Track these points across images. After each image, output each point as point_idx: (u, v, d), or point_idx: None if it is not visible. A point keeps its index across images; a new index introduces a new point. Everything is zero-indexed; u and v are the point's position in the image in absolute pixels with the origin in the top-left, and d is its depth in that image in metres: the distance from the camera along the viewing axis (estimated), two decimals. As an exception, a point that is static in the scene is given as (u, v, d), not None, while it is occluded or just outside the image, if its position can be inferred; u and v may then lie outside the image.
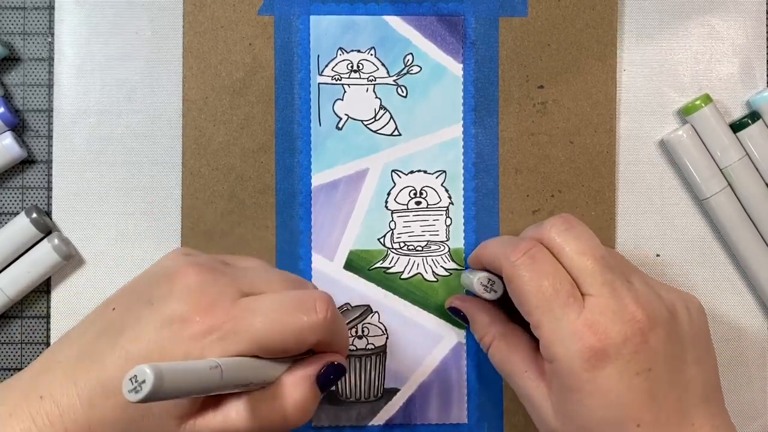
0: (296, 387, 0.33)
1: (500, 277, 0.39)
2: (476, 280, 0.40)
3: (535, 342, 0.39)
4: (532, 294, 0.36)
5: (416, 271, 0.43)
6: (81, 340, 0.34)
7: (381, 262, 0.43)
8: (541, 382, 0.37)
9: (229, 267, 0.36)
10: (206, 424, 0.32)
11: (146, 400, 0.26)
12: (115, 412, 0.32)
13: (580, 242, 0.36)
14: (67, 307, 0.43)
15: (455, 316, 0.42)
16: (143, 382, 0.26)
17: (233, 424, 0.32)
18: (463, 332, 0.43)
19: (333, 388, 0.43)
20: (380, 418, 0.43)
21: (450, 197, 0.43)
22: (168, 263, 0.35)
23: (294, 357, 0.35)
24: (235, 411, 0.32)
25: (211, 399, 0.32)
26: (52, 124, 0.43)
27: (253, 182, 0.43)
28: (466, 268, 0.43)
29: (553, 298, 0.35)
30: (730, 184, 0.43)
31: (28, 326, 0.43)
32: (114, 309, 0.34)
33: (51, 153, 0.43)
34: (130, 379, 0.26)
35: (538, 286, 0.35)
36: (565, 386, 0.35)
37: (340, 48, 0.43)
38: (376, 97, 0.43)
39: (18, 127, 0.43)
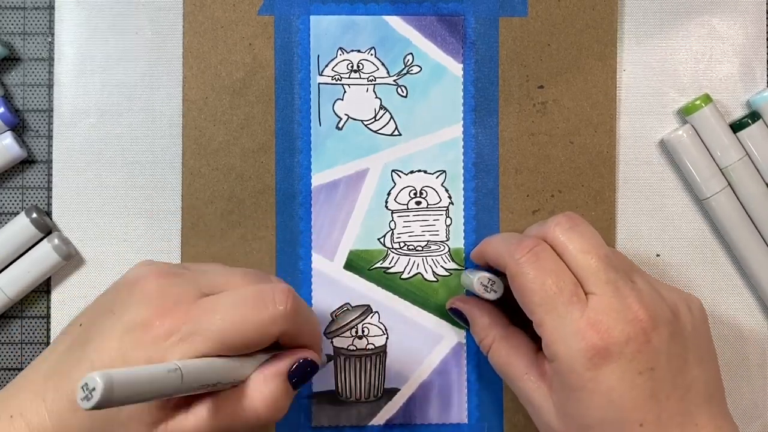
0: (266, 384, 0.33)
1: (501, 276, 0.39)
2: (476, 279, 0.40)
3: (535, 344, 0.39)
4: (536, 292, 0.36)
5: (416, 271, 0.43)
6: (50, 358, 0.34)
7: (381, 262, 0.43)
8: (543, 383, 0.37)
9: (188, 270, 0.36)
10: (179, 427, 0.32)
11: (98, 406, 0.26)
12: (83, 424, 0.32)
13: (584, 240, 0.36)
14: (67, 307, 0.43)
15: (456, 317, 0.42)
16: (93, 389, 0.26)
17: (205, 424, 0.32)
18: (463, 332, 0.43)
19: (333, 387, 0.43)
20: (380, 418, 0.43)
21: (450, 197, 0.43)
22: (130, 273, 0.35)
23: (265, 353, 0.35)
24: (206, 411, 0.32)
25: (182, 401, 0.32)
26: (52, 124, 0.43)
27: (253, 182, 0.43)
28: (467, 268, 0.43)
29: (557, 296, 0.35)
30: (730, 184, 0.43)
31: (28, 326, 0.43)
32: (81, 324, 0.35)
33: (51, 153, 0.43)
34: (82, 387, 0.26)
35: (542, 284, 0.35)
36: (567, 386, 0.35)
37: (340, 48, 0.43)
38: (376, 97, 0.43)
39: (18, 127, 0.43)
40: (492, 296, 0.40)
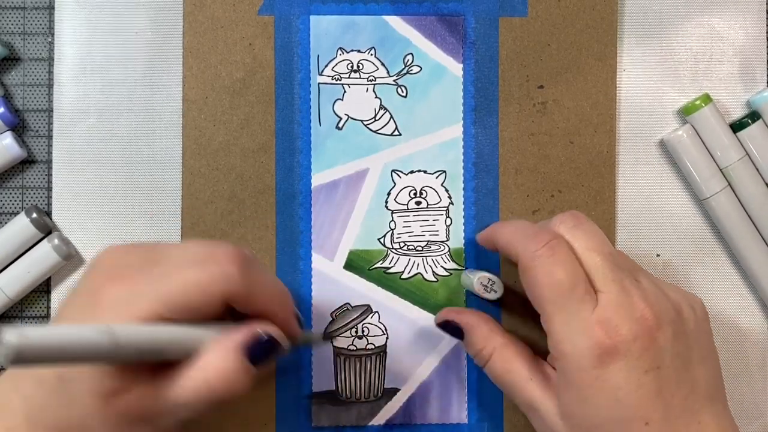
0: (218, 356, 0.32)
1: (500, 277, 0.39)
2: (476, 279, 0.40)
3: (532, 350, 0.39)
4: (549, 287, 0.35)
5: (416, 271, 0.43)
6: None
7: (381, 262, 0.43)
8: (547, 387, 0.37)
9: (147, 244, 0.35)
10: (135, 400, 0.31)
11: (15, 362, 0.26)
12: (44, 399, 0.31)
13: (588, 238, 0.36)
14: (67, 307, 0.43)
15: (445, 331, 0.41)
16: (8, 345, 0.26)
17: (162, 397, 0.31)
18: (463, 332, 0.43)
19: (333, 387, 0.43)
20: (380, 418, 0.43)
21: (450, 197, 0.43)
22: (98, 254, 0.35)
23: (225, 325, 0.33)
24: (162, 384, 0.31)
25: (141, 375, 0.31)
26: (52, 124, 0.43)
27: (253, 182, 0.43)
28: (466, 268, 0.43)
29: (570, 292, 0.35)
30: (730, 184, 0.43)
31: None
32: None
33: (51, 153, 0.43)
34: (5, 346, 0.26)
35: (556, 279, 0.35)
36: (573, 385, 0.35)
37: (340, 48, 0.43)
38: (376, 97, 0.43)
39: (18, 127, 0.43)
40: (492, 296, 0.40)
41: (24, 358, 0.26)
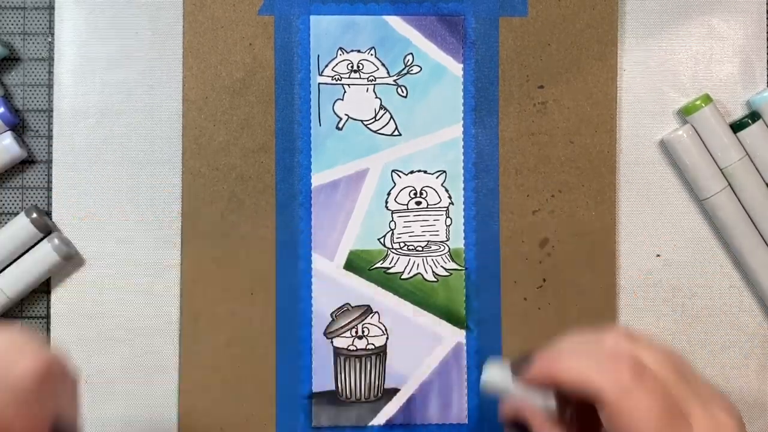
0: None
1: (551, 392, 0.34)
2: (534, 392, 0.34)
3: None
4: (653, 420, 0.30)
5: (416, 271, 0.43)
6: None
7: (381, 262, 0.43)
8: None
9: None
10: None
11: None
12: None
13: (651, 351, 0.32)
14: (67, 307, 0.43)
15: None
16: None
17: None
18: (463, 332, 0.43)
19: (333, 387, 0.43)
20: (380, 418, 0.43)
21: (450, 197, 0.43)
22: None
23: None
24: None
25: None
26: (52, 124, 0.43)
27: (253, 182, 0.43)
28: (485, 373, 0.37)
29: (668, 426, 0.30)
30: (730, 184, 0.43)
31: (28, 326, 0.43)
32: None
33: (51, 153, 0.43)
34: None
35: (659, 414, 0.30)
36: None
37: (340, 48, 0.43)
38: (376, 97, 0.43)
39: (18, 127, 0.43)
40: (549, 409, 0.34)
41: None
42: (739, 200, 0.43)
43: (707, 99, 0.43)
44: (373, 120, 0.43)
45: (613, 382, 0.30)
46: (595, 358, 0.32)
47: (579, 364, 0.32)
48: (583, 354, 0.32)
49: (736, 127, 0.43)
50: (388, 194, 0.43)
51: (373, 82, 0.43)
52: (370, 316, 0.43)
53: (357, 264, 0.43)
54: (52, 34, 0.43)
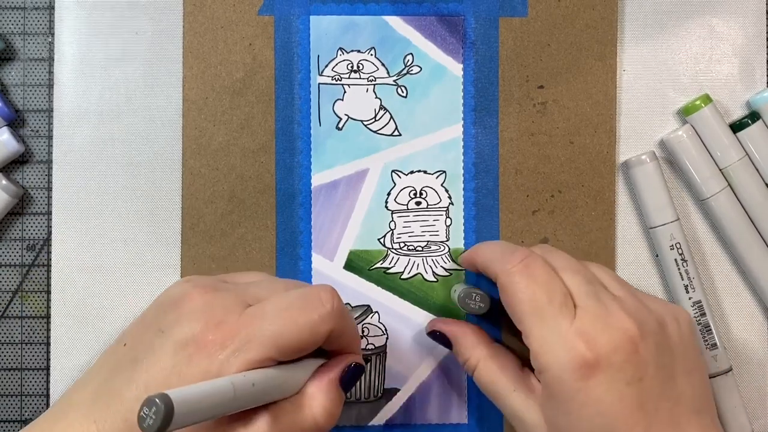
0: (323, 392, 0.33)
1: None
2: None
3: (519, 360, 0.39)
4: (526, 302, 0.36)
5: (416, 272, 0.43)
6: (95, 380, 0.34)
7: (381, 262, 0.43)
8: (531, 398, 0.37)
9: (231, 284, 0.36)
10: None
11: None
12: None
13: (564, 259, 0.37)
14: (67, 307, 0.43)
15: (436, 340, 0.42)
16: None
17: None
18: (463, 332, 0.43)
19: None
20: (380, 418, 0.43)
21: (450, 197, 0.43)
22: (172, 291, 0.35)
23: (312, 361, 0.35)
24: (266, 424, 0.32)
25: (239, 416, 0.32)
26: (52, 124, 0.43)
27: (253, 182, 0.43)
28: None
29: (546, 306, 0.35)
30: (730, 184, 0.43)
31: (28, 326, 0.43)
32: (125, 345, 0.35)
33: (51, 153, 0.43)
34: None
35: (532, 294, 0.35)
36: (556, 398, 0.35)
37: (340, 48, 0.43)
38: (376, 97, 0.43)
39: (15, 123, 0.43)
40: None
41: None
42: (738, 200, 0.43)
43: (707, 99, 0.43)
44: (373, 120, 0.43)
45: (503, 264, 0.37)
46: (503, 249, 0.38)
47: (489, 252, 0.39)
48: (496, 246, 0.39)
49: (736, 127, 0.43)
50: (388, 194, 0.43)
51: (373, 83, 0.43)
52: (370, 316, 0.43)
53: (357, 264, 0.43)
54: (52, 34, 0.43)
